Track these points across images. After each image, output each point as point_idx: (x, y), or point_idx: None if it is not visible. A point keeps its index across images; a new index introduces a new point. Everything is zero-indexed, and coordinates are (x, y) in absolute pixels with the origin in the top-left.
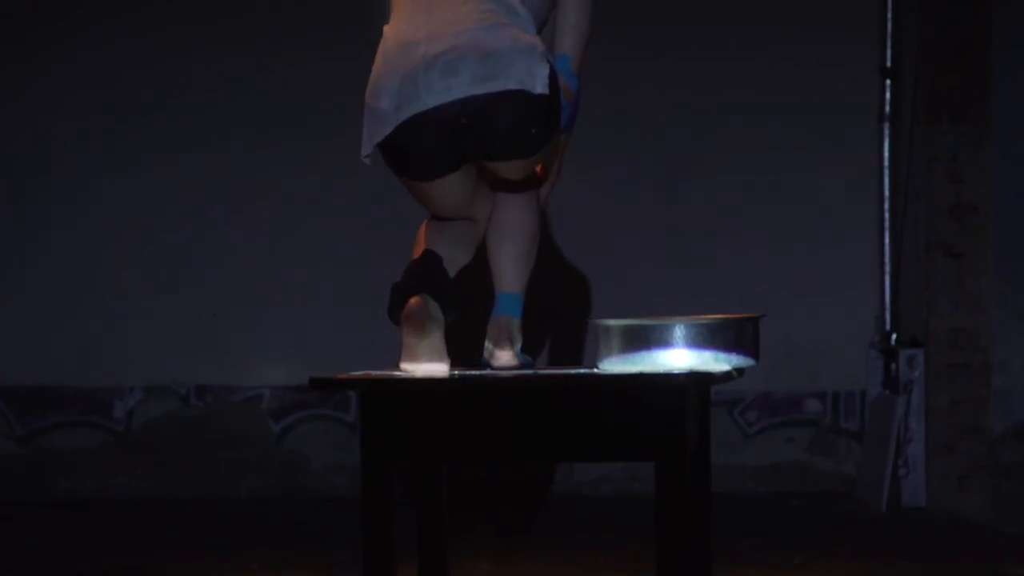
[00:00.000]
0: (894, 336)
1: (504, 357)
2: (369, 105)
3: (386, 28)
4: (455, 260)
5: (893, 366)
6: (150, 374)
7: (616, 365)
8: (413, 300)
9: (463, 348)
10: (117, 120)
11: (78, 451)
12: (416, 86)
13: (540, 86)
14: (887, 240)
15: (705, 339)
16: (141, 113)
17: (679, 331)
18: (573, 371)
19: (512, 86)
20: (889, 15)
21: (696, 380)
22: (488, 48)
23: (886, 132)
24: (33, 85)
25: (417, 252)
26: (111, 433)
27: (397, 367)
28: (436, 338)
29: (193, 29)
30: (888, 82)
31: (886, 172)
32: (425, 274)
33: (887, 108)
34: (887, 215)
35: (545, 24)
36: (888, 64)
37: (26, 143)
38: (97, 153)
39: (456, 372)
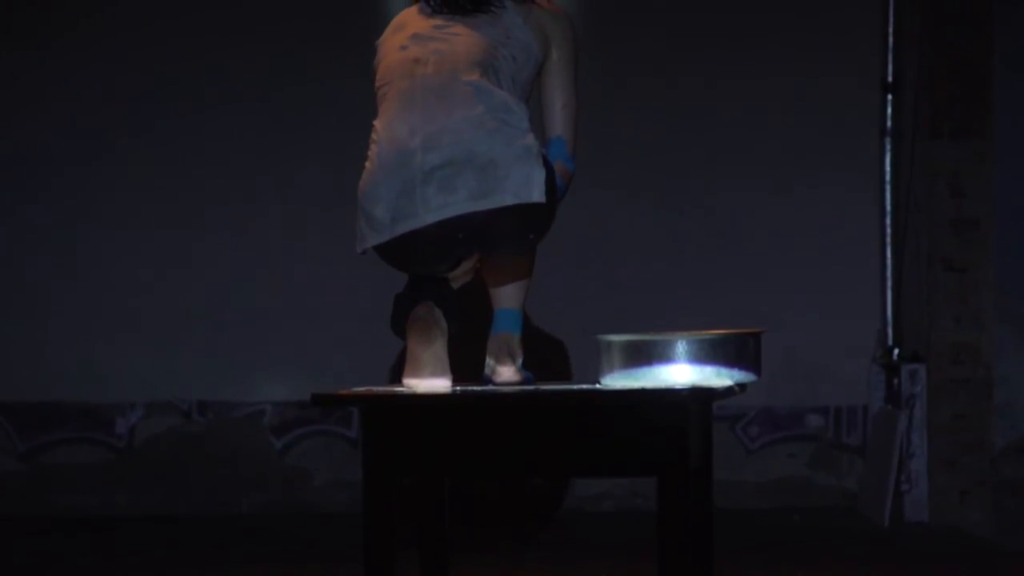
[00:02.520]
0: (896, 351)
1: (506, 373)
2: (363, 208)
3: (377, 123)
4: (456, 278)
5: (895, 381)
6: (152, 390)
7: (618, 380)
8: (419, 307)
9: (465, 365)
10: (118, 138)
11: (80, 467)
12: (413, 201)
13: (537, 194)
14: (888, 255)
15: (707, 354)
16: (142, 131)
17: (681, 346)
18: (575, 387)
19: (509, 201)
20: (890, 29)
21: (698, 395)
22: (484, 160)
23: (887, 147)
24: (33, 101)
25: None
26: (113, 449)
27: (399, 383)
28: (440, 347)
29: (191, 47)
30: (889, 96)
31: (887, 187)
32: (429, 283)
33: (888, 123)
34: (888, 230)
35: (530, 94)
36: (889, 79)
37: (27, 160)
38: (98, 170)
39: (458, 388)
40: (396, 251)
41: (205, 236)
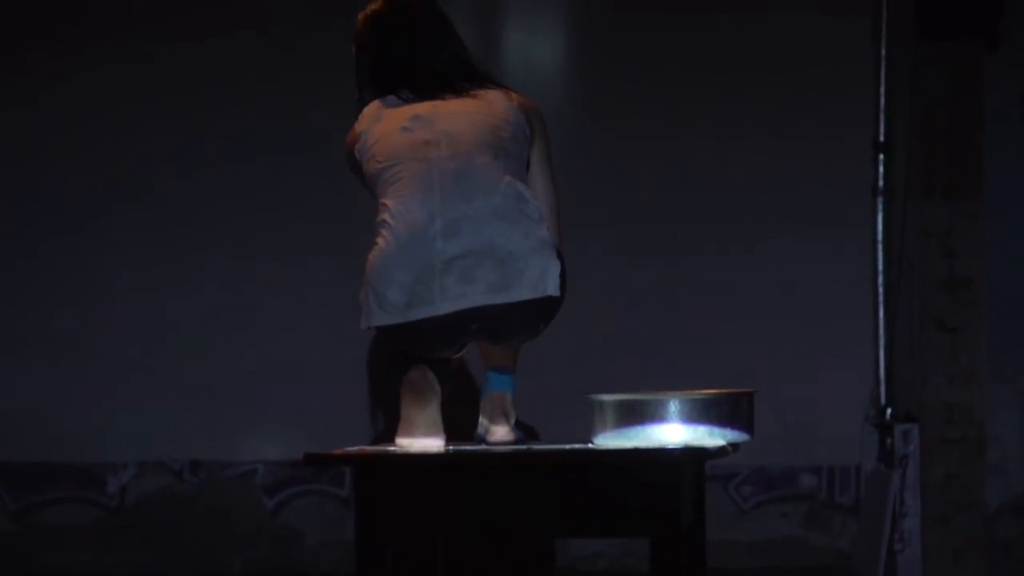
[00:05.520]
0: (888, 410)
1: (500, 432)
2: (374, 286)
3: (389, 202)
4: None
5: (888, 440)
6: (143, 450)
7: (611, 440)
8: (413, 370)
9: (458, 425)
10: (112, 200)
11: (72, 527)
12: (431, 289)
13: (552, 288)
14: (881, 314)
15: (700, 414)
16: (135, 193)
17: (674, 406)
18: (568, 446)
19: (526, 296)
20: (882, 89)
21: (691, 455)
22: (503, 253)
23: (879, 206)
24: (28, 162)
25: None
26: (105, 509)
27: (392, 442)
28: (434, 409)
29: (185, 110)
30: (881, 156)
31: (879, 246)
32: None
33: (880, 182)
34: (881, 289)
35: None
36: (881, 138)
37: (21, 223)
38: (92, 233)
39: (451, 448)
40: (404, 334)
41: (197, 296)
